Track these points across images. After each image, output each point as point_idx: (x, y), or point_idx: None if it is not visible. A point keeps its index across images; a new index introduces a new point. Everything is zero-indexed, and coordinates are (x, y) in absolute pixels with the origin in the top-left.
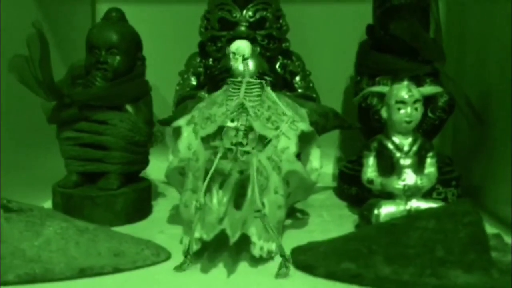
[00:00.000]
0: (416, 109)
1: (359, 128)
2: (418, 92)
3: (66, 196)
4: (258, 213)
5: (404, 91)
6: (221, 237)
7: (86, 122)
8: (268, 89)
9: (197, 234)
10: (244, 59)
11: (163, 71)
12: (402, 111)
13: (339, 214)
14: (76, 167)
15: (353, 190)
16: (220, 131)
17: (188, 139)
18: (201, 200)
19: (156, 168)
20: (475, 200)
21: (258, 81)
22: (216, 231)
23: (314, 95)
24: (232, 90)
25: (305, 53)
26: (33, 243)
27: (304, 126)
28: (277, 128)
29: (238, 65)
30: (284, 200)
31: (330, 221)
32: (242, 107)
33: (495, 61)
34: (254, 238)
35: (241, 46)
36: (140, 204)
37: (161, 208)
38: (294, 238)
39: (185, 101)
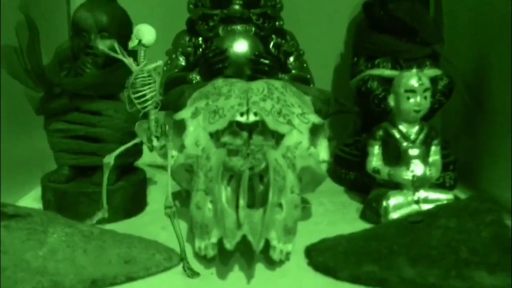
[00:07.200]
0: (425, 97)
1: (357, 112)
2: (428, 80)
3: (60, 192)
4: None
5: (414, 79)
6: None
7: (78, 113)
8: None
9: (213, 239)
10: None
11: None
12: (411, 100)
13: (341, 201)
14: (67, 161)
15: (352, 175)
16: (230, 126)
17: (195, 134)
18: (223, 206)
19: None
20: (472, 184)
21: None
22: (237, 238)
23: (308, 76)
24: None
25: (296, 31)
26: (37, 252)
27: (314, 118)
28: (288, 122)
29: None
30: (299, 198)
31: (333, 210)
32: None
33: (492, 38)
34: (274, 242)
35: None
36: (137, 198)
37: (155, 197)
38: (302, 232)
39: (175, 84)
